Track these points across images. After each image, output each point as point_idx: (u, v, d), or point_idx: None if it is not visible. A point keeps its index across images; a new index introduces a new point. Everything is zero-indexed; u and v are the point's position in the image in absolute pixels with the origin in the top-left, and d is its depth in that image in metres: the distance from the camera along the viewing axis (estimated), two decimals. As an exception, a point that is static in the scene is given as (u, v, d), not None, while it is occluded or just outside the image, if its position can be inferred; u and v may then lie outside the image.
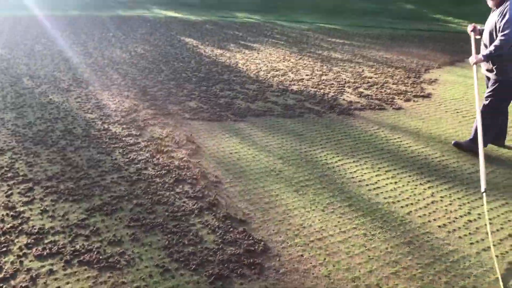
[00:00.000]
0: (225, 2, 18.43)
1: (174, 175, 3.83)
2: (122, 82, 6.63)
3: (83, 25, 11.67)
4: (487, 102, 4.50)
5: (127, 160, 4.09)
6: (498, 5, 4.27)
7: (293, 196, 3.60)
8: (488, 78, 4.57)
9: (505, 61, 4.31)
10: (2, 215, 3.15)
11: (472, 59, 4.47)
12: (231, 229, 3.10)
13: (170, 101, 5.86)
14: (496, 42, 4.22)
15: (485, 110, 4.49)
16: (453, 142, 4.77)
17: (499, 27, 4.19)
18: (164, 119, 5.20)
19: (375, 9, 17.55)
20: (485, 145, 4.48)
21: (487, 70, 4.50)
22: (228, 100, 5.99)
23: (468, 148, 4.62)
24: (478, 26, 4.69)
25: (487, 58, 4.34)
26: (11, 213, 3.17)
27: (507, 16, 4.14)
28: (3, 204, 3.26)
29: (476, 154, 4.30)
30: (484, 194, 3.40)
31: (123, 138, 4.57)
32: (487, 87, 4.57)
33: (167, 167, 3.98)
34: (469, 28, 4.73)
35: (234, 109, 5.61)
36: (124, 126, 4.92)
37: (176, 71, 7.42)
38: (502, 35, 4.17)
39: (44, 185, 3.55)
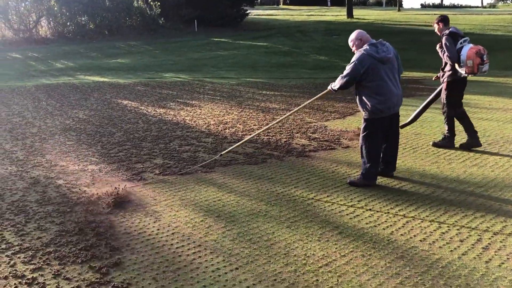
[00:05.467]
0: (148, 64, 18.80)
1: (172, 227, 3.98)
2: (79, 147, 6.62)
3: (10, 96, 11.34)
4: (362, 142, 4.98)
5: (120, 221, 4.17)
6: None
7: (287, 232, 3.90)
8: None
9: (366, 100, 4.81)
10: (15, 283, 3.11)
11: (329, 86, 5.03)
12: (240, 267, 3.33)
13: (135, 160, 5.97)
14: (337, 80, 4.88)
15: (364, 149, 4.96)
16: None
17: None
18: (138, 177, 5.32)
19: (292, 62, 18.90)
20: (374, 178, 4.97)
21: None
22: (191, 154, 6.23)
23: (359, 183, 4.99)
24: None
25: (333, 91, 4.97)
26: (24, 280, 3.14)
27: (352, 60, 4.78)
28: (11, 274, 3.22)
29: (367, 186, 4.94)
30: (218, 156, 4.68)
31: (106, 200, 4.62)
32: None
33: (162, 221, 4.12)
34: None
35: (200, 162, 5.87)
36: (101, 188, 4.96)
37: (128, 132, 7.53)
38: (341, 76, 4.81)
39: (46, 251, 3.54)
